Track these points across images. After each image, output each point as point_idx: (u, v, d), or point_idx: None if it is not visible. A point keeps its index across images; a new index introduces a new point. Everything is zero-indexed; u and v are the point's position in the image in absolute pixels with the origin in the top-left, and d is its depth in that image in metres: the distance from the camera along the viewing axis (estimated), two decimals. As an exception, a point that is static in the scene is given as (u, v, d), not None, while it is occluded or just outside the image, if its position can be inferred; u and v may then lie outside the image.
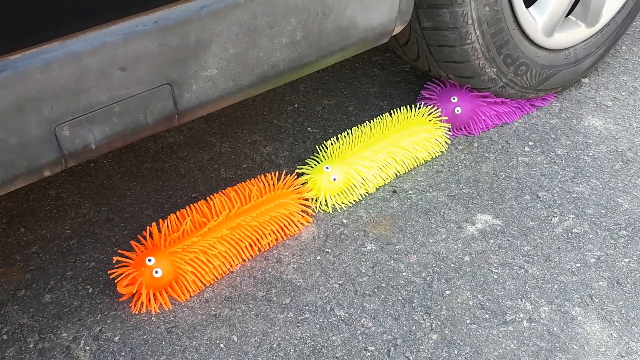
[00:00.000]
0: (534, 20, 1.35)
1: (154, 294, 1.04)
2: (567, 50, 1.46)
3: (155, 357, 0.97)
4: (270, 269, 1.11)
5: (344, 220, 1.21)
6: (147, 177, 1.31)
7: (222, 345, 0.99)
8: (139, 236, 1.10)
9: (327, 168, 1.21)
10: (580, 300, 1.06)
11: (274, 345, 0.99)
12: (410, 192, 1.28)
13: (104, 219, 1.21)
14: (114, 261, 1.05)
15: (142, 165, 1.34)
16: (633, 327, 1.01)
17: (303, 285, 1.09)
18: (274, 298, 1.06)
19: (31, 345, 0.98)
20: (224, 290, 1.08)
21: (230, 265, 1.10)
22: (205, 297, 1.06)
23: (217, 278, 1.08)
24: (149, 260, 1.02)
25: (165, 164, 1.35)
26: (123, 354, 0.97)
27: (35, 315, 1.03)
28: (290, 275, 1.10)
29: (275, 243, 1.15)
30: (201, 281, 1.07)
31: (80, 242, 1.16)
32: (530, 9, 1.36)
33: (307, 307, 1.05)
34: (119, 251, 1.06)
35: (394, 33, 1.15)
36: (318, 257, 1.13)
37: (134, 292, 1.03)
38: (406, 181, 1.30)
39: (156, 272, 1.02)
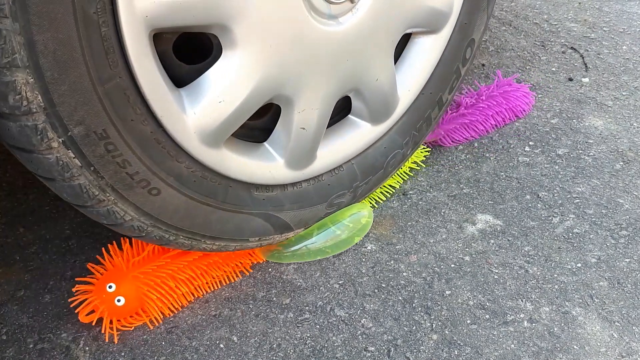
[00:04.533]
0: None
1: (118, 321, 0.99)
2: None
3: (155, 357, 0.97)
4: (270, 269, 1.11)
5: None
6: (147, 177, 1.31)
7: (222, 345, 0.99)
8: (97, 257, 1.03)
9: (110, 287, 0.97)
10: (580, 300, 1.06)
11: (274, 345, 0.99)
12: (410, 192, 1.28)
13: (104, 219, 1.21)
14: (74, 290, 1.00)
15: (142, 165, 1.34)
16: (634, 328, 1.01)
17: (303, 285, 1.08)
18: (274, 298, 1.06)
19: (31, 346, 0.98)
20: (224, 290, 1.07)
21: (203, 289, 1.06)
22: (205, 297, 1.06)
23: (188, 302, 1.05)
24: (110, 287, 0.95)
25: (165, 164, 1.34)
26: (123, 354, 0.97)
27: (35, 315, 1.03)
28: (290, 275, 1.10)
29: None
30: (172, 306, 1.02)
31: (80, 242, 1.16)
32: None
33: (307, 308, 1.05)
34: (76, 279, 1.02)
35: None
36: (318, 257, 1.13)
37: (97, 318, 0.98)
38: (406, 181, 1.30)
39: (118, 300, 0.96)
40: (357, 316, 1.03)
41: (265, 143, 1.00)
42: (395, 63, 1.10)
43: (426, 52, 1.11)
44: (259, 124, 1.01)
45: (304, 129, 0.97)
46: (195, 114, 0.84)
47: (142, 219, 0.87)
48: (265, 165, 0.99)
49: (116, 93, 0.75)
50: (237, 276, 1.09)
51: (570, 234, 1.18)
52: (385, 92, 1.06)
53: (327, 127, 1.07)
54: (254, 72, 0.86)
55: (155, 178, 0.84)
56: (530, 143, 1.40)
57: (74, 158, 0.75)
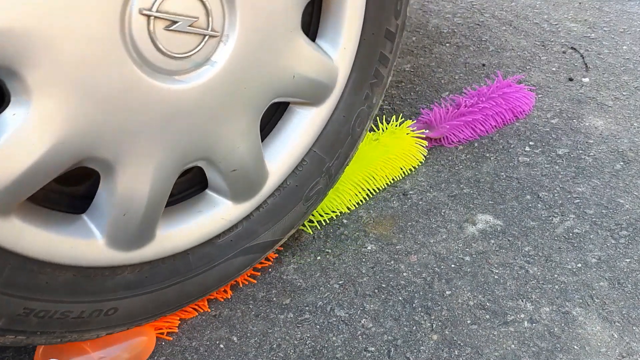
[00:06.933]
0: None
1: None
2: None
3: (155, 357, 0.97)
4: (270, 269, 1.11)
5: (344, 221, 1.21)
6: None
7: (222, 345, 0.99)
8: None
9: None
10: (581, 300, 1.06)
11: (274, 345, 0.99)
12: (410, 192, 1.28)
13: (104, 219, 1.21)
14: None
15: (142, 165, 1.34)
16: (634, 328, 1.01)
17: (303, 285, 1.08)
18: (274, 298, 1.06)
19: (31, 346, 0.98)
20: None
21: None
22: (205, 297, 1.06)
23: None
24: None
25: (165, 164, 1.34)
26: (123, 354, 0.97)
27: (34, 315, 1.03)
28: (290, 275, 1.10)
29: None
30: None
31: (80, 242, 1.16)
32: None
33: (307, 308, 1.05)
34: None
35: None
36: (318, 258, 1.13)
37: None
38: (406, 181, 1.30)
39: None
40: (357, 316, 1.03)
41: (207, 190, 0.91)
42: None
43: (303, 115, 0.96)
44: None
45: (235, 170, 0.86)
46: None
47: (118, 328, 0.87)
48: (214, 213, 0.90)
49: None
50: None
51: (571, 234, 1.18)
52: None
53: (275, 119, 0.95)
54: (53, 128, 0.66)
55: (104, 302, 0.81)
56: (531, 143, 1.40)
57: None
